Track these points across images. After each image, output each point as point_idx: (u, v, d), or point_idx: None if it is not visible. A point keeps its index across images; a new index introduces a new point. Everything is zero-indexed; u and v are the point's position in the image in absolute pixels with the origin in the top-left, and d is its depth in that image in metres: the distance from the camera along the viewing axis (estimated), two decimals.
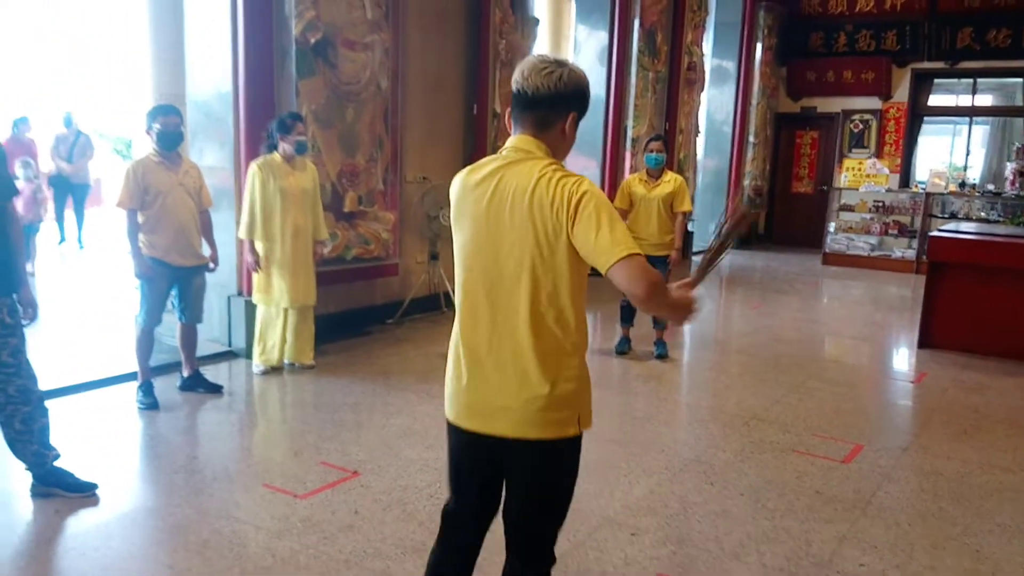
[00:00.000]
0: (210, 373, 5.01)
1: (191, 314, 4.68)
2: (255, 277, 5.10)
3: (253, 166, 4.96)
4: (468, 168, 2.00)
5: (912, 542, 3.26)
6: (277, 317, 5.18)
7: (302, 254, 5.10)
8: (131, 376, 4.78)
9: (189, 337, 4.76)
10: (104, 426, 4.28)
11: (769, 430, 4.53)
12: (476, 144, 7.24)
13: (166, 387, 4.73)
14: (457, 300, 2.05)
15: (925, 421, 4.95)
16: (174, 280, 4.54)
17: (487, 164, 1.95)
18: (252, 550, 2.99)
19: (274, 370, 5.24)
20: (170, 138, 4.42)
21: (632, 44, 9.20)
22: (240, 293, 5.52)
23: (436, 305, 7.00)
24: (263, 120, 5.33)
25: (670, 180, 5.72)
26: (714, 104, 12.21)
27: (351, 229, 5.94)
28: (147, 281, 4.44)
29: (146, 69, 8.11)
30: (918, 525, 3.42)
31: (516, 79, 1.89)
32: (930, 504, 3.63)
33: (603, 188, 9.28)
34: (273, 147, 4.99)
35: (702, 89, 11.05)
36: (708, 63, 11.42)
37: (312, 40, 5.44)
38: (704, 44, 10.96)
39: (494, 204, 1.89)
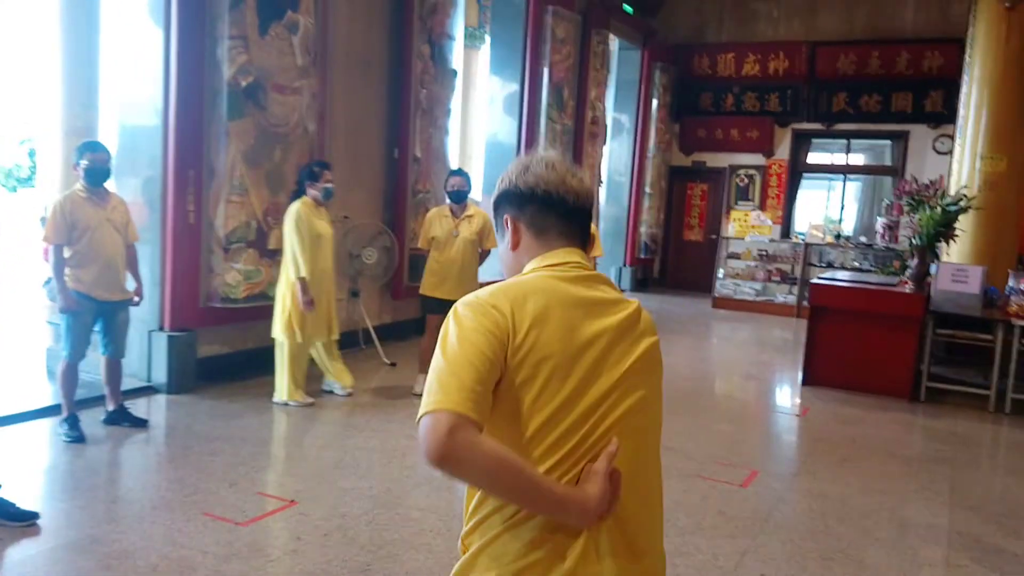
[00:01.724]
0: (132, 407, 5.03)
1: (115, 348, 4.72)
2: (287, 315, 5.38)
3: (297, 208, 5.30)
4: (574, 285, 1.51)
5: (805, 555, 3.67)
6: (305, 353, 5.57)
7: (331, 292, 5.60)
8: (46, 411, 4.77)
9: (114, 371, 4.78)
10: (32, 459, 4.26)
11: (675, 458, 4.92)
12: (397, 186, 7.50)
13: (89, 421, 4.70)
14: None
15: (810, 450, 5.47)
16: (99, 315, 4.58)
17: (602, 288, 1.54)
18: (201, 573, 3.10)
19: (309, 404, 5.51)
20: (98, 174, 4.49)
21: (542, 97, 9.71)
22: (161, 328, 5.54)
23: (355, 341, 7.14)
24: (191, 158, 5.46)
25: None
26: (613, 156, 12.89)
27: (274, 266, 6.03)
28: (72, 316, 4.46)
29: (55, 100, 8.03)
30: (809, 540, 3.84)
31: (558, 180, 1.52)
32: (818, 522, 4.08)
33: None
34: (299, 194, 5.44)
35: (604, 142, 11.69)
36: (609, 118, 12.09)
37: (243, 83, 5.61)
38: (606, 100, 11.62)
39: None
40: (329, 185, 5.44)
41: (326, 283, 5.53)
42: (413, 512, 3.89)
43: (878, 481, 4.78)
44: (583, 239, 1.56)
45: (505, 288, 1.44)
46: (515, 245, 1.55)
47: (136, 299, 4.80)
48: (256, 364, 6.12)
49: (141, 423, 4.79)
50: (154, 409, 5.26)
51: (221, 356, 5.95)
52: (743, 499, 4.33)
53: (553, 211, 1.51)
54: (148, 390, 5.48)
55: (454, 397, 1.29)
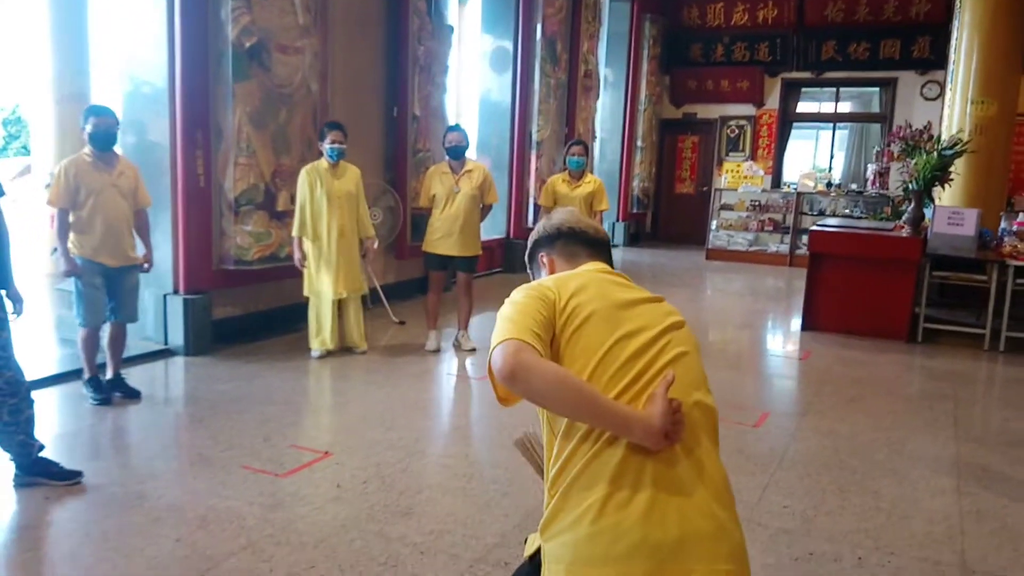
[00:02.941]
0: (147, 371, 5.15)
1: (124, 313, 4.65)
2: (305, 273, 5.61)
3: (302, 171, 5.55)
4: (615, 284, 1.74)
5: (822, 487, 3.84)
6: (325, 307, 5.67)
7: (346, 252, 5.64)
8: (58, 377, 4.85)
9: (118, 338, 4.68)
10: (60, 422, 4.33)
11: None
12: (397, 144, 7.52)
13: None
14: None
15: (816, 391, 5.64)
16: (107, 280, 4.54)
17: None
18: (251, 522, 3.21)
19: (329, 354, 5.72)
20: (102, 138, 4.44)
21: (535, 51, 9.69)
22: (176, 291, 5.59)
23: (363, 302, 7.20)
24: (198, 121, 5.47)
25: (590, 181, 6.23)
26: (605, 110, 12.90)
27: (284, 228, 6.08)
28: (81, 282, 4.42)
29: (44, 67, 7.96)
30: (825, 474, 4.01)
31: (576, 220, 1.88)
32: (832, 457, 4.25)
33: (509, 188, 9.73)
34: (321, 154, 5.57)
35: (597, 96, 11.69)
36: (601, 71, 12.08)
37: (247, 44, 5.59)
38: (598, 53, 11.60)
39: None
40: (334, 146, 5.50)
41: (342, 242, 5.58)
42: (444, 459, 4.02)
43: (884, 418, 4.96)
44: (609, 260, 1.87)
45: (548, 277, 1.73)
46: (551, 273, 1.82)
47: (145, 265, 4.71)
48: (270, 325, 6.21)
49: (134, 394, 4.66)
50: (173, 371, 5.35)
51: (236, 318, 6.03)
52: (757, 438, 4.49)
53: (578, 240, 1.85)
54: (166, 353, 5.55)
55: (517, 332, 1.49)
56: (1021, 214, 7.71)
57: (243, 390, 4.91)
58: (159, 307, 5.60)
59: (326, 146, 5.52)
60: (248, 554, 2.97)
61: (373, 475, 3.73)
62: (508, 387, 1.46)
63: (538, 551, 1.54)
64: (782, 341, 7.51)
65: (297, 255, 5.59)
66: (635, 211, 13.64)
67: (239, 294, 6.03)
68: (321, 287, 5.63)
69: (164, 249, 5.47)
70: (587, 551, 1.44)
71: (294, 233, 5.59)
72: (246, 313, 6.16)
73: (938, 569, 3.06)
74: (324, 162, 5.54)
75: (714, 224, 12.58)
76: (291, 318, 6.30)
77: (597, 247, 1.86)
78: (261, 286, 6.09)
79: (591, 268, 1.77)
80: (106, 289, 4.54)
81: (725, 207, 12.63)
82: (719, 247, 12.44)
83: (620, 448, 1.48)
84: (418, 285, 7.64)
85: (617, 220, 13.22)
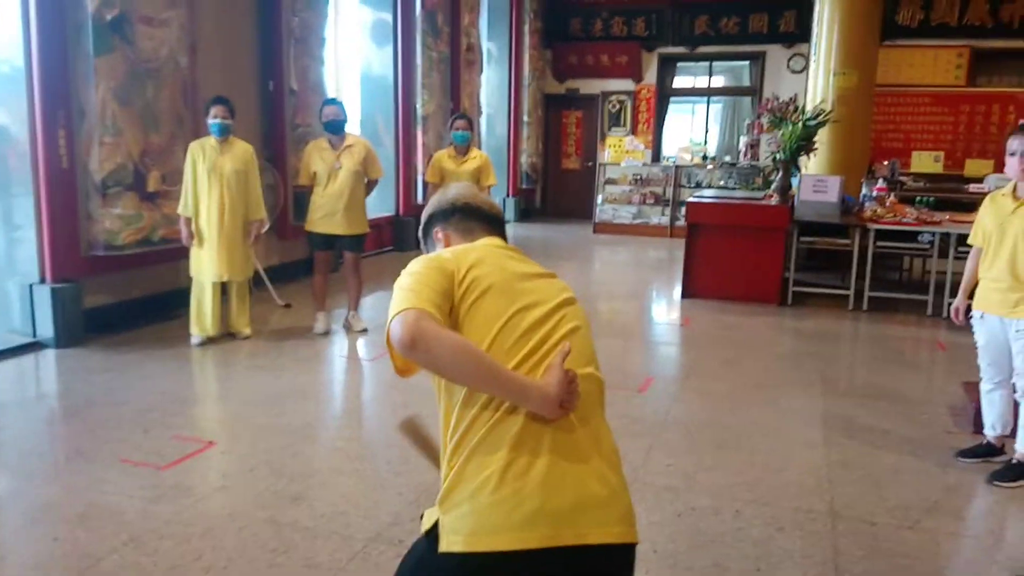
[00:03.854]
0: (15, 365, 4.88)
1: None
2: (191, 252, 5.37)
3: (189, 146, 5.33)
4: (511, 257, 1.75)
5: (703, 446, 4.03)
6: (207, 290, 5.42)
7: (229, 232, 5.37)
8: None
9: None
10: None
11: None
12: (275, 120, 7.30)
13: None
14: None
15: (696, 355, 5.89)
16: None
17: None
18: (132, 516, 3.10)
19: (211, 340, 5.49)
20: None
21: (415, 24, 9.56)
22: (43, 280, 5.27)
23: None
24: (58, 98, 5.15)
25: (476, 156, 6.23)
26: (491, 85, 12.90)
27: (156, 210, 5.82)
28: None
29: None
30: (705, 432, 4.21)
31: (472, 195, 1.88)
32: (711, 416, 4.46)
33: (396, 165, 9.61)
34: None
35: (481, 71, 11.67)
36: (484, 46, 12.06)
37: (108, 16, 5.28)
38: (479, 26, 11.56)
39: None
40: (216, 120, 5.30)
41: (224, 222, 5.37)
42: (336, 442, 3.98)
43: (758, 377, 5.23)
44: (503, 238, 1.85)
45: (446, 249, 1.74)
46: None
47: None
48: (147, 312, 5.95)
49: None
50: (44, 365, 5.05)
51: (110, 306, 5.74)
52: (642, 402, 4.66)
53: (473, 216, 1.84)
54: (35, 346, 5.23)
55: (416, 301, 1.49)
56: (881, 180, 8.25)
57: (120, 381, 4.70)
58: (25, 298, 5.27)
59: (209, 121, 5.32)
60: (130, 549, 2.86)
61: (261, 462, 3.65)
62: (408, 356, 1.46)
63: (435, 526, 1.55)
64: (665, 309, 7.78)
65: (183, 233, 5.39)
66: (524, 187, 13.76)
67: (112, 281, 5.74)
68: (201, 269, 5.43)
69: (28, 236, 5.15)
70: (487, 520, 1.46)
71: (179, 211, 5.39)
72: (121, 301, 5.87)
73: (810, 517, 3.27)
74: (212, 138, 5.34)
75: (600, 198, 12.84)
76: (169, 304, 6.06)
77: (492, 223, 1.87)
78: (135, 272, 5.82)
79: (487, 242, 1.78)
80: None
81: (609, 181, 12.90)
82: (605, 221, 12.72)
83: (519, 417, 1.50)
84: (303, 266, 7.48)
85: (507, 196, 13.30)
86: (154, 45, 5.69)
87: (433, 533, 1.54)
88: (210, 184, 5.31)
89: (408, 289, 1.53)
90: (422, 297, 1.51)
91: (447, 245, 1.81)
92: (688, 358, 5.92)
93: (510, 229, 12.58)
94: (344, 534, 3.00)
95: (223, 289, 5.58)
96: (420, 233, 1.94)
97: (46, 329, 5.23)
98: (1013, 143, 3.55)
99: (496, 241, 1.80)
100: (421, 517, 1.62)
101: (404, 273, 1.61)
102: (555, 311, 1.65)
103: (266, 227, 5.90)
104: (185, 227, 5.39)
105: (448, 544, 1.49)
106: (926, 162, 11.38)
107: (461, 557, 1.47)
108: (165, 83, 5.82)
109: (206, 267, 5.41)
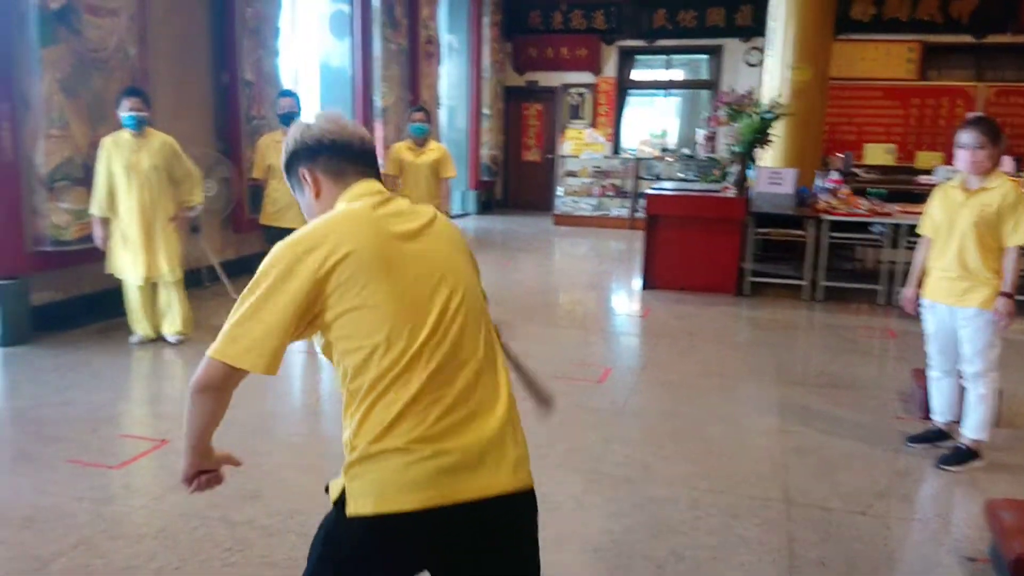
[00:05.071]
0: None
1: None
2: (107, 253, 5.15)
3: (101, 141, 5.02)
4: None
5: (660, 436, 4.06)
6: (131, 293, 5.24)
7: (147, 230, 5.13)
8: None
9: None
10: None
11: (534, 363, 5.15)
12: (229, 112, 7.17)
13: None
14: None
15: (654, 345, 5.94)
16: None
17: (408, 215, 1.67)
18: (82, 518, 3.02)
19: (151, 341, 5.33)
20: None
21: (374, 16, 9.46)
22: None
23: (199, 280, 6.88)
24: (2, 89, 4.99)
25: (435, 148, 6.19)
26: (451, 78, 12.82)
27: None
28: None
29: None
30: (662, 423, 4.24)
31: (340, 129, 1.70)
32: (668, 406, 4.49)
33: None
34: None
35: (439, 63, 11.59)
36: (443, 39, 11.97)
37: (54, 6, 5.13)
38: (438, 19, 11.47)
39: None
40: (131, 113, 5.00)
41: (143, 220, 5.12)
42: (293, 438, 3.94)
43: (714, 367, 5.29)
44: (377, 174, 1.73)
45: (316, 229, 1.56)
46: (317, 193, 1.69)
47: None
48: (95, 309, 5.80)
49: None
50: None
51: (57, 303, 5.59)
52: (601, 393, 4.68)
53: (343, 155, 1.67)
54: None
55: (240, 353, 1.49)
56: (834, 172, 8.37)
57: (68, 380, 4.58)
58: None
59: (122, 114, 5.02)
60: (80, 551, 2.80)
61: None
62: (191, 393, 1.55)
63: (343, 494, 1.55)
64: (624, 300, 7.83)
65: (97, 234, 5.14)
66: (485, 179, 13.72)
67: (59, 277, 5.59)
68: (124, 270, 5.19)
69: None
70: (394, 481, 1.48)
71: (91, 210, 5.13)
72: (68, 297, 5.72)
73: (766, 504, 3.31)
74: (126, 132, 5.05)
75: (560, 190, 12.86)
76: (118, 301, 5.89)
77: (365, 160, 1.71)
78: (83, 267, 5.66)
79: (361, 196, 1.64)
80: None
81: (569, 174, 12.92)
82: (566, 213, 12.74)
83: (418, 380, 1.51)
84: (259, 260, 7.31)
85: (468, 189, 13.25)
86: (102, 35, 5.54)
87: (341, 501, 1.55)
88: (128, 182, 5.04)
89: (247, 319, 1.49)
90: (251, 346, 1.49)
91: (316, 191, 1.68)
92: (647, 349, 5.96)
93: (471, 221, 12.61)
94: (301, 532, 2.96)
95: (153, 288, 5.35)
96: (283, 167, 1.75)
97: None
98: (963, 136, 3.62)
99: (370, 188, 1.66)
100: (326, 490, 1.62)
101: (263, 272, 1.52)
102: (440, 284, 1.59)
103: (191, 212, 5.55)
104: (98, 228, 5.13)
105: (356, 507, 1.51)
106: (878, 154, 11.56)
107: (370, 520, 1.49)
108: (114, 74, 5.67)
109: (129, 268, 5.17)
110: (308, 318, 1.53)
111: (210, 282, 6.89)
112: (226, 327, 1.50)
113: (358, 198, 1.63)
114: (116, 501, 3.17)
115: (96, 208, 5.10)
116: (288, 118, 5.60)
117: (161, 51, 6.31)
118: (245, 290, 1.53)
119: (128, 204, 5.07)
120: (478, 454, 1.52)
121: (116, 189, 5.07)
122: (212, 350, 1.50)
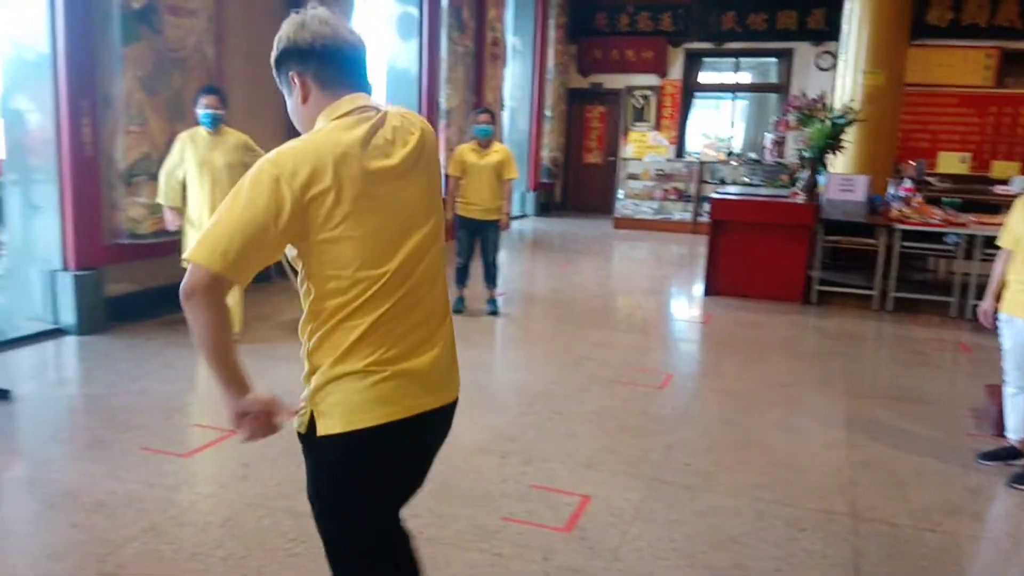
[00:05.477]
0: (36, 351, 4.91)
1: None
2: (181, 242, 5.20)
3: (179, 136, 5.14)
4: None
5: (722, 444, 3.99)
6: None
7: None
8: None
9: None
10: None
11: (595, 367, 5.17)
12: None
13: None
14: None
15: (717, 353, 5.84)
16: None
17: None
18: (151, 504, 3.11)
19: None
20: None
21: (441, 18, 9.54)
22: (65, 267, 5.31)
23: (267, 276, 7.03)
24: (84, 87, 5.18)
25: (498, 150, 6.21)
26: (514, 80, 12.85)
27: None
28: None
29: None
30: (725, 431, 4.17)
31: (333, 34, 1.64)
32: (731, 415, 4.41)
33: None
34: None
35: (504, 65, 11.63)
36: (508, 40, 12.01)
37: (136, 5, 5.31)
38: (504, 21, 11.52)
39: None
40: (207, 111, 5.08)
41: (212, 215, 5.27)
42: None
43: (779, 376, 5.18)
44: (367, 86, 1.71)
45: (297, 150, 1.56)
46: (304, 99, 1.68)
47: None
48: (169, 301, 5.93)
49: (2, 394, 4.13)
50: (65, 352, 5.10)
51: (132, 294, 5.77)
52: (662, 400, 4.63)
53: (334, 63, 1.64)
54: (56, 333, 5.28)
55: (220, 262, 1.50)
56: (907, 180, 8.13)
57: (142, 369, 4.73)
58: (47, 284, 5.32)
59: (199, 111, 5.12)
60: (150, 537, 2.88)
61: (282, 451, 3.64)
62: (182, 301, 1.52)
63: (312, 422, 1.66)
64: (685, 306, 7.73)
65: (168, 218, 5.24)
66: (545, 181, 13.72)
67: (135, 269, 5.78)
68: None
69: (51, 224, 5.20)
70: (359, 399, 1.61)
71: (158, 199, 5.24)
72: (143, 289, 5.90)
73: (832, 518, 3.23)
74: (203, 130, 5.15)
75: (621, 193, 12.78)
76: None
77: (356, 69, 1.68)
78: (159, 260, 5.83)
79: (346, 116, 1.62)
80: None
81: (631, 176, 12.84)
82: (626, 216, 12.66)
83: (382, 306, 1.61)
84: None
85: (528, 190, 13.26)
86: (181, 34, 5.71)
87: (311, 428, 1.67)
88: (200, 178, 5.11)
89: (225, 230, 1.51)
90: (227, 253, 1.50)
91: (304, 96, 1.66)
92: (709, 355, 5.87)
93: (530, 223, 12.60)
94: None
95: None
96: (273, 62, 1.70)
97: (68, 316, 5.28)
98: None
99: (356, 103, 1.64)
100: (294, 423, 1.73)
101: (243, 185, 1.54)
102: (412, 222, 1.67)
103: None
104: (168, 212, 5.22)
105: (327, 428, 1.63)
106: (952, 163, 11.19)
107: (342, 437, 1.62)
108: (191, 73, 5.84)
109: None
110: (280, 238, 1.55)
111: (278, 277, 7.02)
112: (203, 233, 1.54)
113: (343, 115, 1.63)
114: (186, 488, 3.26)
115: (163, 197, 5.18)
116: None
117: (237, 51, 6.47)
118: (227, 197, 1.56)
119: (199, 199, 5.17)
120: (429, 371, 1.69)
121: (188, 184, 5.17)
122: (188, 253, 1.53)
